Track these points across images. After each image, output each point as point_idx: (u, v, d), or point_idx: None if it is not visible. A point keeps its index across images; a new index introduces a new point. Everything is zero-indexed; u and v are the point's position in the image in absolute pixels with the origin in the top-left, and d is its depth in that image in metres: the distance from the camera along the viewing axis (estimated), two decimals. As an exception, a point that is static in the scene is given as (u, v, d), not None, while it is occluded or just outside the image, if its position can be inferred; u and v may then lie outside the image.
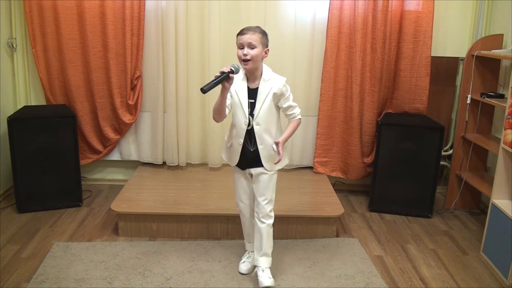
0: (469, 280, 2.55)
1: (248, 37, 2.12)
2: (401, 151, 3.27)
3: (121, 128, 3.52)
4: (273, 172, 2.30)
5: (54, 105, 3.40)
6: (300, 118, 2.30)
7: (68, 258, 2.60)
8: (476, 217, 3.34)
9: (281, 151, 2.17)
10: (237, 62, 2.17)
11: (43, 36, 3.28)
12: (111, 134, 3.53)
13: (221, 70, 2.07)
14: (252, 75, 2.21)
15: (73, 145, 3.18)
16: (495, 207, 2.67)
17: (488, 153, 3.34)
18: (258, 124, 2.21)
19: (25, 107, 3.37)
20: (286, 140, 2.22)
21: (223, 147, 2.41)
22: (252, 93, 2.21)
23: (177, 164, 3.58)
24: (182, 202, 3.00)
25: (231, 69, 2.08)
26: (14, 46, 3.36)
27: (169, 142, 3.51)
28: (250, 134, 2.24)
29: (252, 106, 2.21)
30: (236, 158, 2.29)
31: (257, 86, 2.21)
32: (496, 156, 2.77)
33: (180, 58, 3.33)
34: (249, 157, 2.27)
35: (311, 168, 3.66)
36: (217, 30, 3.30)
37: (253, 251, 2.48)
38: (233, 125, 2.28)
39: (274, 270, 2.46)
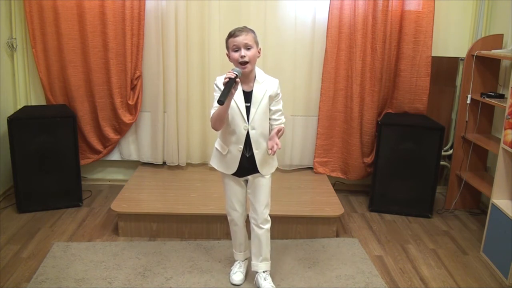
0: (469, 280, 2.55)
1: (243, 38, 2.04)
2: (401, 151, 3.26)
3: (121, 128, 3.52)
4: (269, 176, 2.28)
5: (54, 105, 3.40)
6: (284, 127, 2.18)
7: (68, 258, 2.60)
8: (476, 217, 3.34)
9: (278, 141, 2.06)
10: (231, 67, 2.11)
11: (43, 36, 3.28)
12: (111, 134, 3.53)
13: (227, 76, 1.99)
14: (247, 78, 2.13)
15: (73, 145, 3.18)
16: (495, 207, 2.67)
17: (488, 153, 3.34)
18: (253, 129, 2.16)
19: (25, 107, 3.37)
20: (281, 133, 2.09)
21: (214, 156, 2.32)
22: (246, 97, 2.14)
23: (177, 164, 3.58)
24: (182, 202, 3.00)
25: (235, 74, 2.00)
26: (14, 46, 3.36)
27: (169, 142, 3.51)
28: (245, 139, 2.18)
29: (247, 110, 2.14)
30: (234, 166, 2.22)
31: (251, 89, 2.14)
32: (496, 156, 2.77)
33: (180, 58, 3.33)
34: (246, 163, 2.21)
35: (311, 168, 3.66)
36: (217, 30, 3.30)
37: (244, 261, 2.49)
38: (229, 132, 2.18)
39: (274, 270, 2.46)
